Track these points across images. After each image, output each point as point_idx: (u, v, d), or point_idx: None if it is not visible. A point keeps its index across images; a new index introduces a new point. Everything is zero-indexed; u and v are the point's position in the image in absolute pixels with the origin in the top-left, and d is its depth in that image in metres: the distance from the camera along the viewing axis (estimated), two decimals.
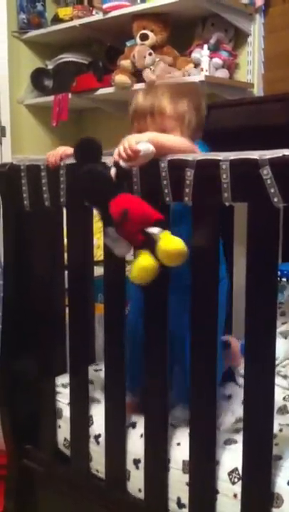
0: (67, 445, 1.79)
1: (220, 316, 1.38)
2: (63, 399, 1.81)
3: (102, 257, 1.54)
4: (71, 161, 1.57)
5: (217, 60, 2.60)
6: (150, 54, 2.67)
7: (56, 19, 3.17)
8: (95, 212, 1.50)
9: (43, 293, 1.80)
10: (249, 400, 1.30)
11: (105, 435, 1.64)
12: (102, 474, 1.67)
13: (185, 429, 1.49)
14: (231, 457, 1.40)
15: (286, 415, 1.66)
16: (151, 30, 2.72)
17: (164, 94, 1.58)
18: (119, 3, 2.80)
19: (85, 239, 1.70)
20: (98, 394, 1.78)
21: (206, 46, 2.56)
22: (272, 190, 1.16)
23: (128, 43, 2.85)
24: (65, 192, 1.61)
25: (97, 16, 2.91)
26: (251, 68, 2.73)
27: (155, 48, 2.72)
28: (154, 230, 1.30)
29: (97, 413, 1.70)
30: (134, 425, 1.62)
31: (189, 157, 1.31)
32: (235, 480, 1.36)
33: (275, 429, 1.35)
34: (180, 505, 1.47)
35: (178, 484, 1.47)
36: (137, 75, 2.73)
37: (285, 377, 1.90)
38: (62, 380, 1.85)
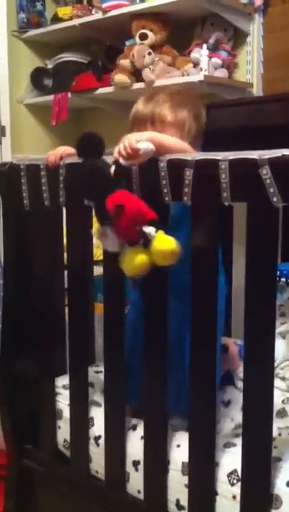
0: (67, 446, 1.79)
1: (219, 318, 1.38)
2: (63, 400, 1.81)
3: (101, 257, 1.54)
4: (71, 160, 1.57)
5: (216, 60, 2.60)
6: (149, 53, 2.66)
7: (56, 18, 3.17)
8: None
9: (42, 293, 1.80)
10: (248, 401, 1.30)
11: (105, 437, 1.63)
12: (101, 476, 1.67)
13: (184, 431, 1.49)
14: (230, 459, 1.40)
15: (285, 418, 1.66)
16: (151, 30, 2.71)
17: (164, 102, 1.59)
18: (118, 2, 2.79)
19: (84, 238, 1.70)
20: (98, 396, 1.77)
21: (205, 46, 2.55)
22: (271, 190, 1.16)
23: (127, 43, 2.84)
24: (65, 191, 1.61)
25: (96, 16, 2.91)
26: (250, 68, 2.73)
27: (154, 47, 2.72)
28: (149, 228, 1.30)
29: (98, 415, 1.69)
30: (134, 427, 1.62)
31: (188, 157, 1.31)
32: (234, 481, 1.36)
33: (274, 432, 1.35)
34: (179, 506, 1.47)
35: (177, 486, 1.47)
36: (136, 74, 2.72)
37: (283, 379, 1.89)
38: (63, 381, 1.85)
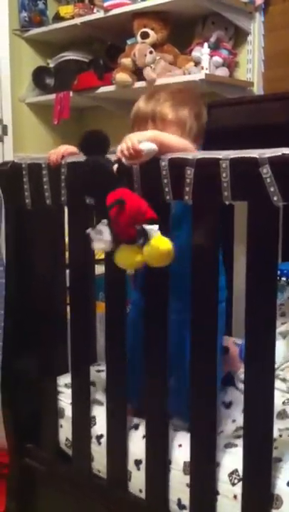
0: (68, 445, 1.79)
1: (219, 319, 1.38)
2: (65, 398, 1.81)
3: (103, 256, 1.54)
4: (72, 159, 1.57)
5: (217, 59, 2.59)
6: (151, 52, 2.66)
7: (57, 17, 3.16)
8: None
9: (44, 291, 1.80)
10: (249, 400, 1.30)
11: (107, 436, 1.64)
12: (103, 475, 1.67)
13: (186, 431, 1.50)
14: (231, 459, 1.40)
15: (285, 420, 1.66)
16: (152, 29, 2.71)
17: (165, 100, 1.59)
18: (120, 1, 2.79)
19: (86, 237, 1.70)
20: (100, 395, 1.78)
21: (206, 44, 2.55)
22: (271, 189, 1.16)
23: (129, 41, 2.84)
24: (67, 190, 1.61)
25: (98, 14, 2.90)
26: (251, 67, 2.72)
27: (156, 46, 2.71)
28: (147, 227, 1.30)
29: (100, 414, 1.70)
30: (136, 427, 1.62)
31: (189, 156, 1.31)
32: (236, 481, 1.36)
33: (275, 434, 1.35)
34: (180, 506, 1.47)
35: (179, 485, 1.47)
36: (137, 73, 2.72)
37: (284, 380, 1.89)
38: (65, 379, 1.85)
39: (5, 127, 3.16)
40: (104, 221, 1.35)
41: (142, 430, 1.58)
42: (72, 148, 1.62)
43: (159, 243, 1.29)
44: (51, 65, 3.28)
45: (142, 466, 1.55)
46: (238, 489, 1.35)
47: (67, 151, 1.62)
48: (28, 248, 1.82)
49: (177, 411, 1.53)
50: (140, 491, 1.56)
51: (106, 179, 1.38)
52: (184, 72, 2.64)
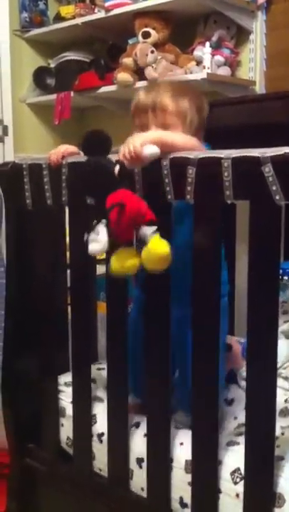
0: (70, 444, 1.79)
1: (222, 316, 1.38)
2: (66, 397, 1.81)
3: (104, 256, 1.54)
4: (73, 159, 1.57)
5: (219, 58, 2.60)
6: (152, 52, 2.66)
7: (58, 17, 3.17)
8: None
9: (45, 292, 1.80)
10: (251, 398, 1.30)
11: (108, 434, 1.64)
12: (104, 473, 1.67)
13: (188, 429, 1.49)
14: (233, 457, 1.40)
15: (288, 418, 1.66)
16: (153, 28, 2.71)
17: (166, 91, 1.58)
18: (121, 1, 2.79)
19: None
20: (101, 393, 1.78)
21: (208, 44, 2.55)
22: (273, 188, 1.16)
23: (130, 41, 2.84)
24: (67, 190, 1.61)
25: (99, 14, 2.90)
26: (253, 66, 2.72)
27: (157, 45, 2.71)
28: (147, 230, 1.29)
29: (100, 412, 1.70)
30: (137, 425, 1.62)
31: (191, 155, 1.31)
32: (238, 480, 1.36)
33: (277, 432, 1.35)
34: (182, 504, 1.47)
35: (180, 484, 1.47)
36: (139, 72, 2.72)
37: (286, 378, 1.89)
38: (66, 378, 1.85)
39: (5, 127, 3.16)
40: (104, 221, 1.34)
41: (142, 428, 1.58)
42: (73, 148, 1.62)
43: (157, 246, 1.28)
44: (52, 65, 3.29)
45: (144, 465, 1.55)
46: (240, 488, 1.35)
47: (68, 151, 1.61)
48: (29, 248, 1.82)
49: (181, 401, 1.52)
50: (142, 489, 1.56)
51: (107, 180, 1.38)
52: (186, 71, 2.64)
